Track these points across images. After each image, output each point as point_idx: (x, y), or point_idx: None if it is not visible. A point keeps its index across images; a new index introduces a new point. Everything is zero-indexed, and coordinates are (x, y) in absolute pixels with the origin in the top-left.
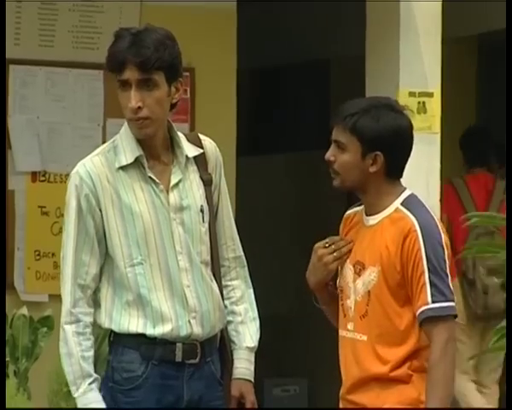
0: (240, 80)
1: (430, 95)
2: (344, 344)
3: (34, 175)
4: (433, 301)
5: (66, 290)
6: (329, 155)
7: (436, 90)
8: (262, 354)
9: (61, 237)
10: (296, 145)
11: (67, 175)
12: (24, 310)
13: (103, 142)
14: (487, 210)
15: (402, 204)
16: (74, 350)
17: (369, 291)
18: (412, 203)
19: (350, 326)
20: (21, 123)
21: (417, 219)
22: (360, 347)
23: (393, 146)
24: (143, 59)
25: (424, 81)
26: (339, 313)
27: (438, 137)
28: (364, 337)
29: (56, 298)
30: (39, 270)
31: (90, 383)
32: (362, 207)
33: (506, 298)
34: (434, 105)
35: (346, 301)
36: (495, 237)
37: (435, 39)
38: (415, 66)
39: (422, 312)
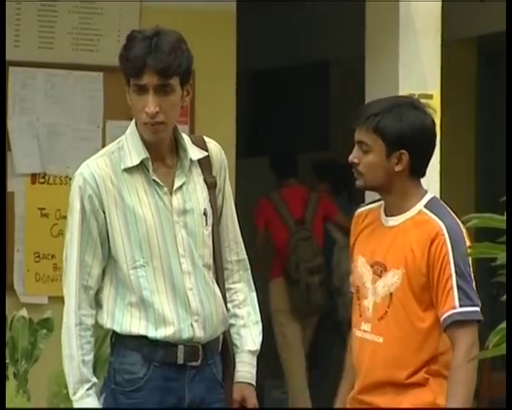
0: (239, 81)
1: (429, 97)
2: (358, 344)
3: (34, 177)
4: (461, 305)
5: (72, 292)
6: (353, 157)
7: (435, 91)
8: (262, 355)
9: (61, 238)
10: (296, 147)
11: (67, 177)
12: (23, 312)
13: (103, 144)
14: (304, 219)
15: (425, 206)
16: (76, 353)
17: (391, 294)
18: (437, 206)
19: (366, 327)
20: (21, 125)
21: (444, 223)
22: (376, 349)
23: (418, 144)
24: (165, 65)
25: (423, 83)
26: (353, 311)
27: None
28: (381, 339)
29: (56, 300)
30: (39, 272)
31: (88, 389)
32: (376, 204)
33: (506, 298)
34: (434, 107)
35: (363, 301)
36: (312, 241)
37: (435, 41)
38: (414, 67)
39: (450, 315)
